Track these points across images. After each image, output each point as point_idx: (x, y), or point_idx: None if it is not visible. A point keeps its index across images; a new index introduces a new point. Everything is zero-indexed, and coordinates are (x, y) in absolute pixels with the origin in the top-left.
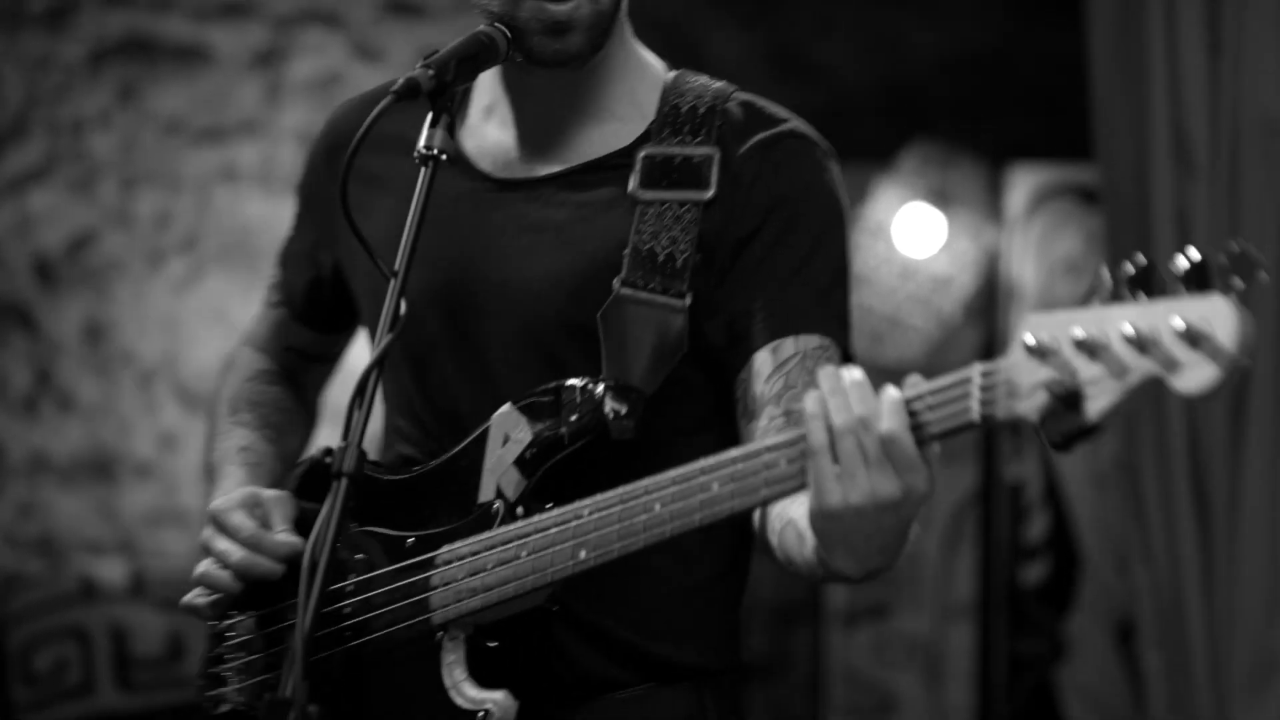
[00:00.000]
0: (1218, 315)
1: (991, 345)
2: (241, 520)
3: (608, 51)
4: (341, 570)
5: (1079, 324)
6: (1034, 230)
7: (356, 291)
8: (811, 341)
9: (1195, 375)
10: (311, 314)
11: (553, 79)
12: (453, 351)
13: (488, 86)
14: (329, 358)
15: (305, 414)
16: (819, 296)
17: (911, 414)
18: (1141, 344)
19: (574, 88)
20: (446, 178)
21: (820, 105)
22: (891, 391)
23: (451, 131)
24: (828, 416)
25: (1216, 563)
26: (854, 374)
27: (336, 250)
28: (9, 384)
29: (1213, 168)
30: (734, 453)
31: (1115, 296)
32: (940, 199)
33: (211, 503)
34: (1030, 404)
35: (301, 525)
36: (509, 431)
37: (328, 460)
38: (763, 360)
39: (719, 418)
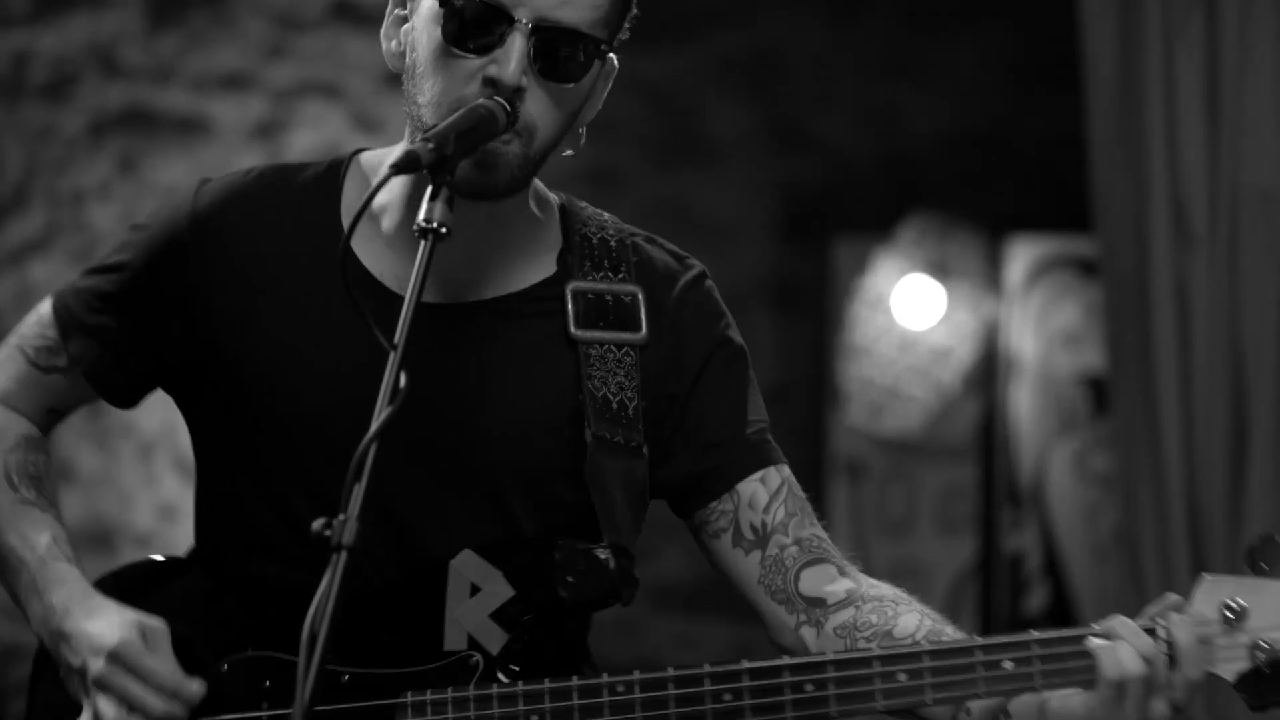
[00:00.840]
0: None
1: (991, 417)
2: (157, 664)
3: (528, 189)
4: (235, 697)
5: (1275, 595)
6: (1033, 302)
7: (220, 372)
8: (785, 471)
9: None
10: (114, 388)
11: (466, 215)
12: (393, 485)
13: (394, 205)
14: (72, 413)
15: (55, 474)
16: (767, 429)
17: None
18: None
19: (490, 215)
20: (328, 283)
21: (820, 178)
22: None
23: (451, 206)
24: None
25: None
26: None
27: (207, 330)
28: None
29: (1212, 239)
30: (942, 642)
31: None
32: (939, 271)
33: (74, 621)
34: (1229, 667)
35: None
36: (476, 581)
37: (326, 533)
38: (751, 489)
39: None
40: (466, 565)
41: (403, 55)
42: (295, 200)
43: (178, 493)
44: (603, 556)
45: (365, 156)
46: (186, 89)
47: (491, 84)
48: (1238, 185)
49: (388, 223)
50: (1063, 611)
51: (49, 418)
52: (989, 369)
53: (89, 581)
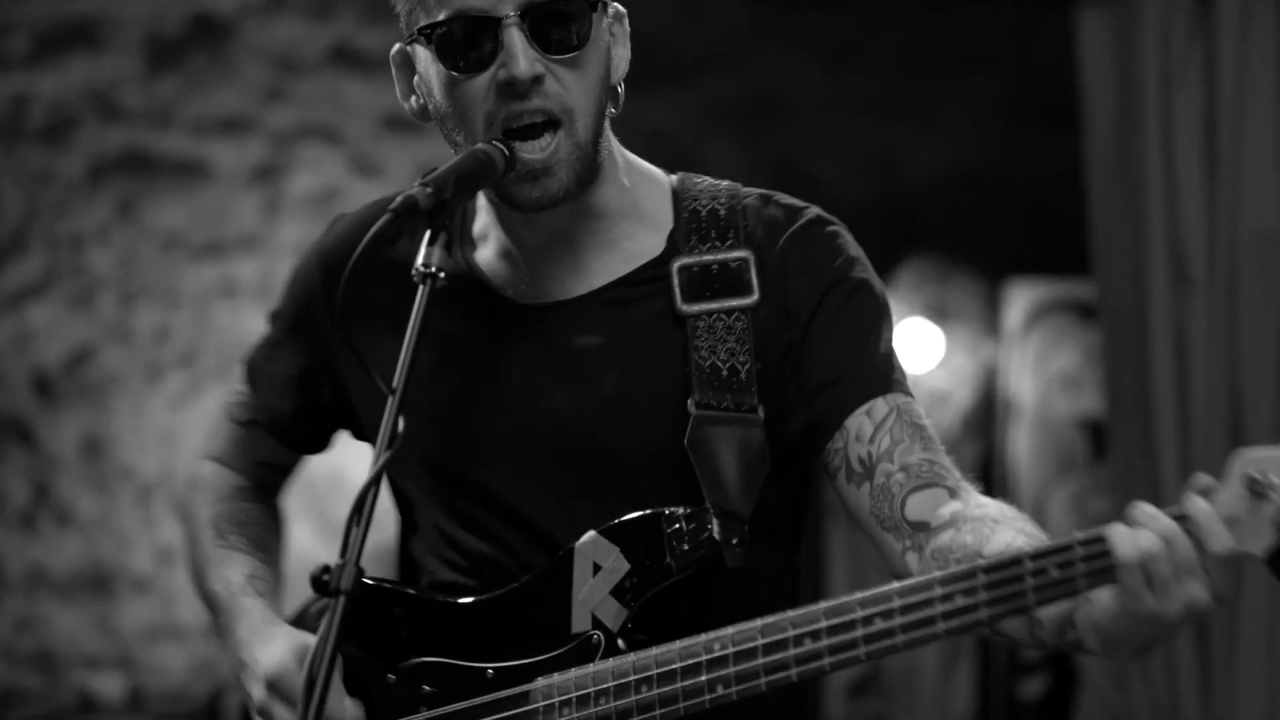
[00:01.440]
0: None
1: (990, 460)
2: (342, 709)
3: (604, 168)
4: (402, 704)
5: None
6: (1032, 345)
7: (364, 416)
8: (899, 399)
9: None
10: (294, 436)
11: (550, 211)
12: (506, 482)
13: (481, 212)
14: (295, 467)
15: (279, 525)
16: (886, 360)
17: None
18: None
19: (575, 213)
20: (464, 303)
21: None
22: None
23: (450, 250)
24: (1139, 543)
25: (1215, 679)
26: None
27: (341, 376)
28: (7, 498)
29: (1210, 282)
30: (980, 563)
31: None
32: (938, 314)
33: (251, 650)
34: (1258, 541)
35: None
36: (598, 560)
37: (325, 578)
38: (858, 423)
39: (796, 535)
40: (590, 547)
41: (425, 107)
42: (410, 231)
43: (176, 536)
44: (708, 523)
45: None
46: (185, 132)
47: (508, 87)
48: (1235, 229)
49: (494, 243)
50: (1062, 655)
51: (261, 471)
52: (988, 412)
53: (282, 613)
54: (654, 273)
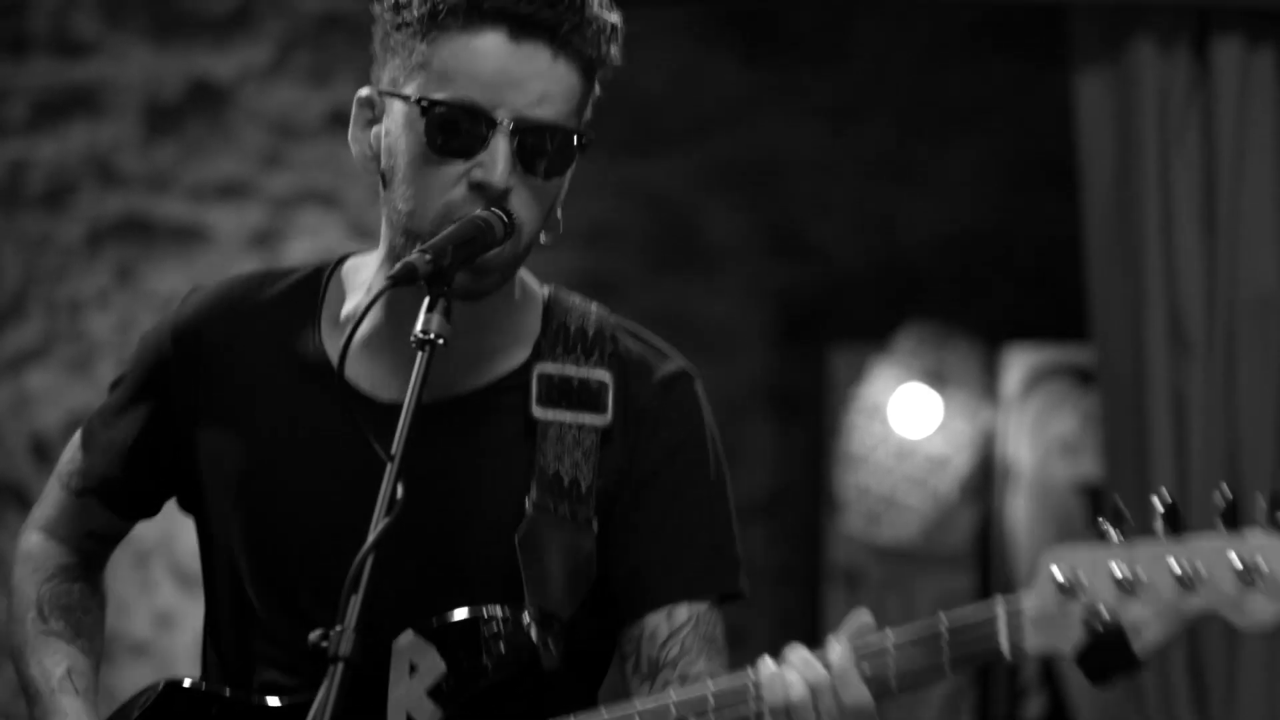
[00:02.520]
0: (1273, 553)
1: (988, 525)
2: None
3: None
4: None
5: (1114, 561)
6: (1030, 410)
7: (210, 484)
8: (702, 606)
9: (1259, 612)
10: (127, 503)
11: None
12: (335, 575)
13: (355, 294)
14: (121, 537)
15: (102, 602)
16: (717, 553)
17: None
18: (1190, 582)
19: (473, 312)
20: (317, 391)
21: (816, 284)
22: (842, 653)
23: (448, 316)
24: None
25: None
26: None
27: (192, 442)
28: (4, 563)
29: (1209, 347)
30: (708, 687)
31: (1138, 533)
32: (936, 379)
33: None
34: (1067, 640)
35: None
36: (415, 660)
37: (323, 644)
38: (657, 623)
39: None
40: (407, 646)
41: (375, 159)
42: (275, 306)
43: (175, 601)
44: (525, 624)
45: (350, 262)
46: (184, 198)
47: (479, 188)
48: (1234, 293)
49: (370, 326)
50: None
51: (90, 542)
52: (986, 477)
53: (95, 713)
54: (516, 380)
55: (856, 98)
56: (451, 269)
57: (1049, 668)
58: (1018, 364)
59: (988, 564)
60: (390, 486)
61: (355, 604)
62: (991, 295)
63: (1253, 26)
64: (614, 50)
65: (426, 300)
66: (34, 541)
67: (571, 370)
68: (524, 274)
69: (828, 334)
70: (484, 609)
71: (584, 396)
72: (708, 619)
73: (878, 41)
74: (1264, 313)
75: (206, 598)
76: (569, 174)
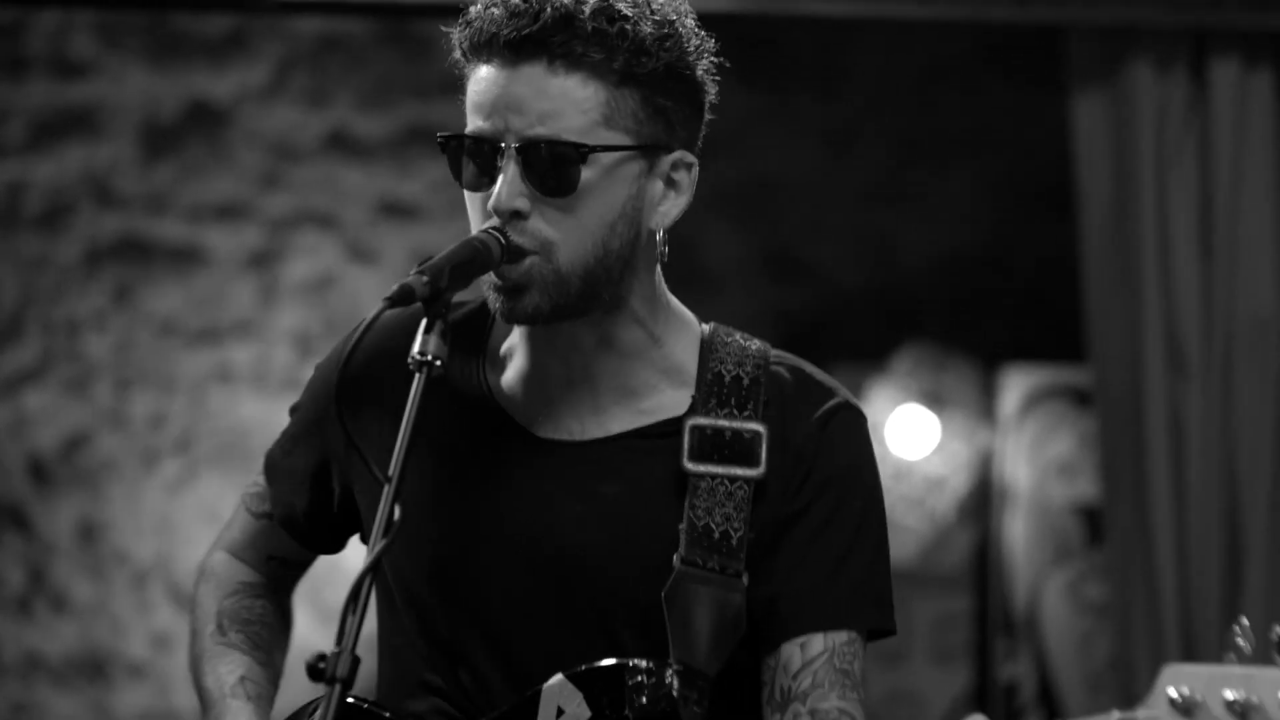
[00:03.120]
0: None
1: (985, 546)
2: None
3: (630, 309)
4: None
5: (1228, 685)
6: (1027, 432)
7: (365, 512)
8: (840, 638)
9: None
10: (307, 533)
11: (572, 343)
12: (492, 611)
13: (513, 330)
14: (308, 564)
15: (286, 623)
16: (857, 587)
17: None
18: None
19: (600, 354)
20: (476, 422)
21: (813, 307)
22: None
23: (445, 338)
24: None
25: None
26: None
27: (347, 474)
28: (2, 584)
29: (1206, 369)
30: None
31: (1254, 658)
32: (933, 401)
33: None
34: None
35: None
36: (562, 704)
37: (321, 665)
38: (790, 653)
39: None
40: (556, 690)
41: None
42: (453, 332)
43: (171, 622)
44: (667, 678)
45: None
46: (181, 218)
47: (494, 213)
48: (1231, 315)
49: (517, 366)
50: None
51: (272, 565)
52: (983, 498)
53: (269, 716)
54: (669, 428)
55: (854, 121)
56: (449, 291)
57: (1046, 689)
58: (1015, 385)
59: (985, 585)
60: (387, 509)
61: (353, 625)
62: (989, 316)
63: (1250, 48)
64: (638, 42)
65: (424, 322)
66: (218, 560)
67: (725, 423)
68: (675, 308)
69: (825, 355)
70: (630, 661)
71: (737, 449)
72: (844, 653)
73: (875, 65)
74: (1261, 334)
75: (381, 616)
76: (632, 187)
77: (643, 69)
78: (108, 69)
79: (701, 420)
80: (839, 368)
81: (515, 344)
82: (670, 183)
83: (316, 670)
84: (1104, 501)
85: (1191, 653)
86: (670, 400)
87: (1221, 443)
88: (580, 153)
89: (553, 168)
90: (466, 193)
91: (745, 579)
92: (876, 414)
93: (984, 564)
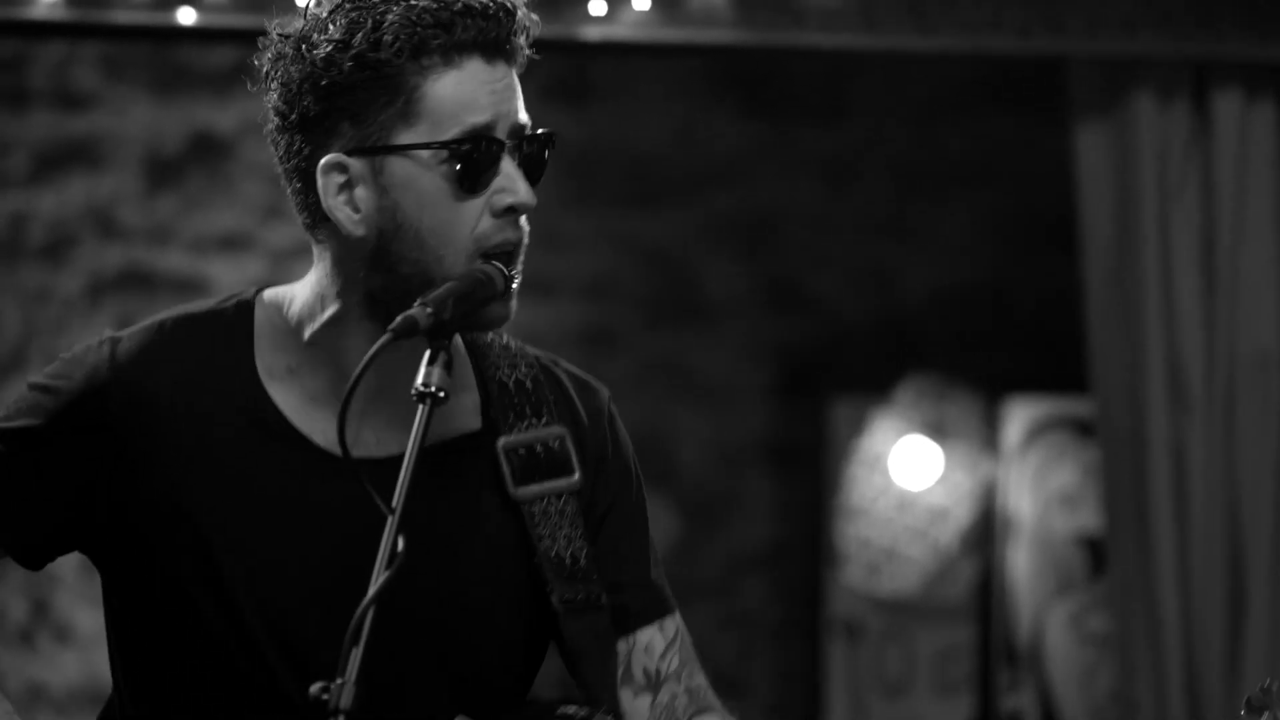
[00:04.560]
0: None
1: (988, 577)
2: None
3: None
4: None
5: None
6: (1030, 463)
7: (158, 545)
8: (679, 620)
9: None
10: (35, 551)
11: (392, 345)
12: (329, 653)
13: (287, 347)
14: None
15: None
16: (662, 573)
17: None
18: None
19: (402, 362)
20: (270, 444)
21: (816, 338)
22: None
23: (449, 369)
24: None
25: None
26: None
27: (127, 499)
28: (6, 615)
29: (1208, 401)
30: None
31: None
32: (936, 432)
33: None
34: None
35: None
36: None
37: (324, 697)
38: (650, 637)
39: None
40: None
41: (363, 221)
42: (211, 349)
43: None
44: None
45: (268, 294)
46: (184, 250)
47: (511, 211)
48: (1234, 347)
49: (300, 384)
50: None
51: None
52: (986, 529)
53: None
54: (476, 444)
55: (855, 153)
56: (452, 323)
57: (1045, 701)
58: (1018, 416)
59: (988, 616)
60: (391, 539)
61: (356, 657)
62: (991, 348)
63: (1252, 79)
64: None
65: (427, 354)
66: None
67: (531, 435)
68: None
69: (828, 387)
70: (562, 708)
71: (552, 461)
72: (686, 632)
73: (876, 97)
74: (1263, 366)
75: (128, 672)
76: None
77: (525, 61)
78: (111, 101)
79: (511, 439)
80: (841, 399)
81: (302, 360)
82: None
83: (319, 702)
84: (1106, 533)
85: (1194, 685)
86: (460, 408)
87: (1224, 475)
88: (554, 142)
89: (540, 160)
90: (464, 202)
91: (604, 598)
92: (879, 445)
93: (987, 595)
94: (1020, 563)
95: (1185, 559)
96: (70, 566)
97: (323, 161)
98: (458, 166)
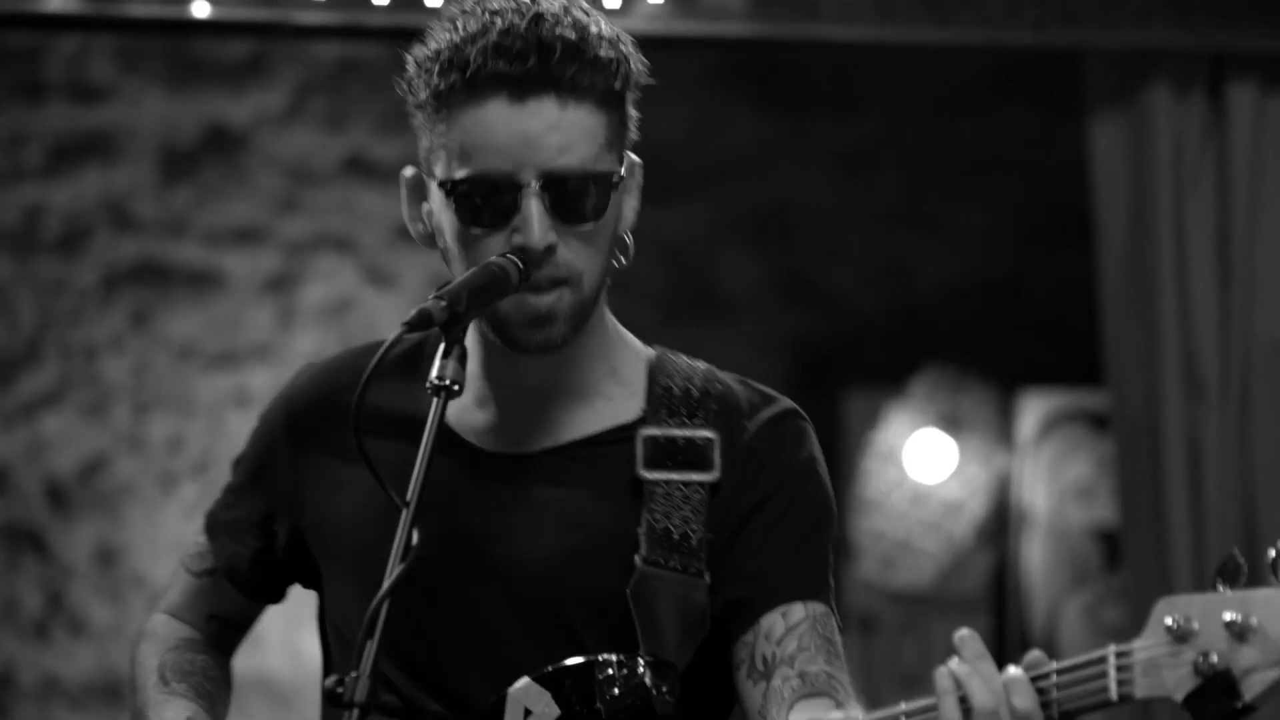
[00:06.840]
0: None
1: (1003, 570)
2: None
3: (588, 330)
4: None
5: (1225, 608)
6: (1045, 455)
7: (324, 558)
8: (818, 609)
9: None
10: (251, 581)
11: (534, 360)
12: (451, 625)
13: (471, 364)
14: (248, 625)
15: (228, 681)
16: (820, 570)
17: (1040, 691)
18: None
19: (556, 366)
20: (362, 452)
21: (831, 331)
22: (1018, 672)
23: (463, 363)
24: (967, 693)
25: None
26: (979, 647)
27: (300, 519)
28: (21, 607)
29: (1223, 393)
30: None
31: (1252, 582)
32: (951, 424)
33: None
34: (1177, 686)
35: None
36: (529, 705)
37: (339, 690)
38: (772, 622)
39: (728, 702)
40: (523, 693)
41: (432, 237)
42: (385, 375)
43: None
44: (640, 670)
45: None
46: (199, 242)
47: (522, 251)
48: (1249, 339)
49: (466, 389)
50: None
51: (212, 625)
52: (1001, 522)
53: None
54: (619, 436)
55: (870, 146)
56: (467, 315)
57: None
58: (1033, 409)
59: (1003, 609)
60: (405, 533)
61: (370, 650)
62: (1006, 341)
63: (1267, 71)
64: (632, 68)
65: (442, 346)
66: (158, 620)
67: (677, 431)
68: (625, 335)
69: (843, 380)
70: (599, 656)
71: (690, 455)
72: (825, 623)
73: (891, 90)
74: (1278, 358)
75: (325, 642)
76: (625, 202)
77: (626, 87)
78: (125, 93)
79: (653, 430)
80: (856, 392)
81: (471, 374)
82: (625, 189)
83: (335, 695)
84: (1121, 525)
85: None
86: (619, 408)
87: (1239, 466)
88: (613, 181)
89: (578, 199)
90: (476, 235)
91: (707, 577)
92: (894, 438)
93: (1002, 588)
94: (1035, 555)
95: (1200, 551)
96: (84, 557)
97: (403, 174)
98: (457, 207)
